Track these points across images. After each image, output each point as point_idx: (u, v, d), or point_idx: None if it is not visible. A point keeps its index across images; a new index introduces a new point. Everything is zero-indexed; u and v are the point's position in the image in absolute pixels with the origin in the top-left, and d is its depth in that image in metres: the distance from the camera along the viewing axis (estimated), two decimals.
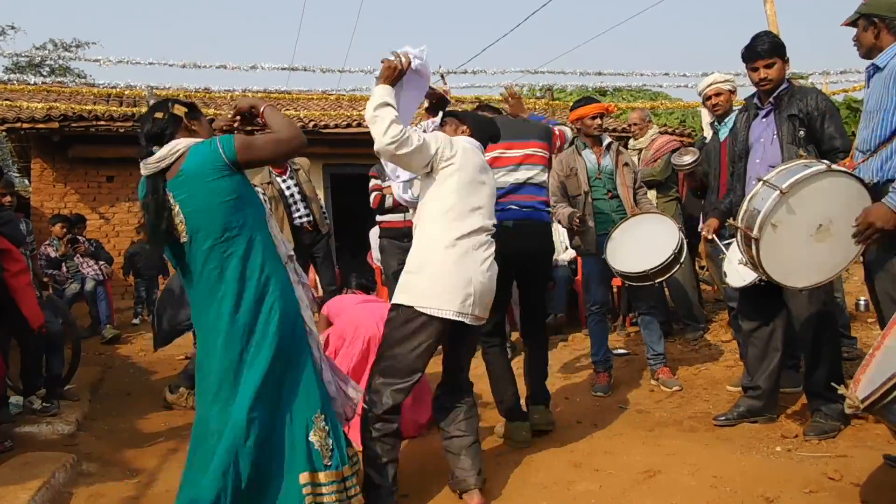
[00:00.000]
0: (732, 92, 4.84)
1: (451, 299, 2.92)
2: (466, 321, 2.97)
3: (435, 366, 3.22)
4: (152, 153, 2.60)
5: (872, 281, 3.21)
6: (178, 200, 2.55)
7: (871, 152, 3.09)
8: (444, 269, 2.96)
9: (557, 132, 4.26)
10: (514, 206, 3.88)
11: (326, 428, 2.61)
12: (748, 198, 3.12)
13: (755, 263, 3.09)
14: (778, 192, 2.92)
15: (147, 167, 2.59)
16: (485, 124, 3.39)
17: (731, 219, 3.17)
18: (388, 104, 2.91)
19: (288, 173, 6.49)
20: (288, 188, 6.47)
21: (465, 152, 3.09)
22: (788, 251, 3.04)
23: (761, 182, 3.05)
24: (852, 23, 3.28)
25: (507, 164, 3.95)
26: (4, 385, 4.32)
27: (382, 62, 3.01)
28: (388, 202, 5.98)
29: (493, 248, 3.14)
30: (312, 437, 2.56)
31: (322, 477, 2.54)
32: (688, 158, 5.36)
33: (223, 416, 2.50)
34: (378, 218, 6.20)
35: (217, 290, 2.55)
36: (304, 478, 2.50)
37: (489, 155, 3.66)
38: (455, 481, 3.08)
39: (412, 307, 2.95)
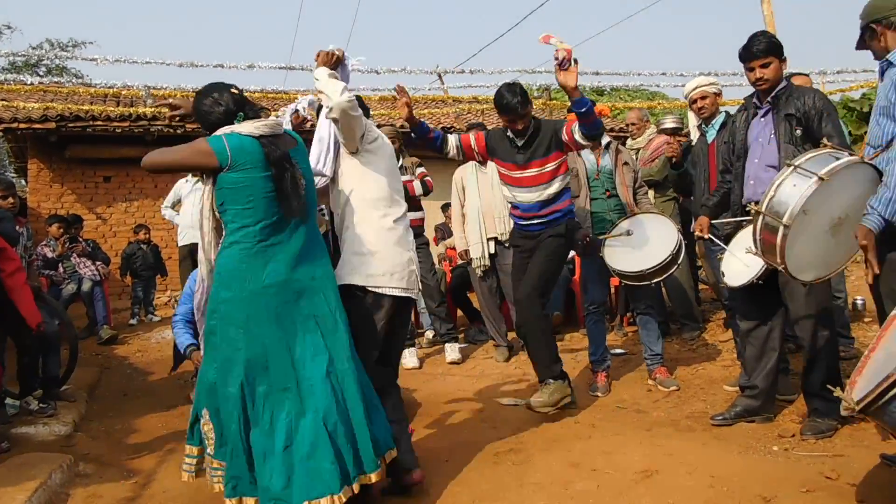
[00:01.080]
0: (718, 94, 4.85)
1: (400, 278, 3.18)
2: (412, 296, 3.29)
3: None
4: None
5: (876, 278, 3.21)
6: (301, 165, 2.84)
7: (882, 148, 3.08)
8: (389, 251, 3.18)
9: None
10: None
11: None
12: (776, 183, 3.00)
13: (776, 253, 2.99)
14: (816, 178, 2.84)
15: (267, 126, 2.71)
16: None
17: (754, 204, 3.08)
18: (337, 77, 3.20)
19: None
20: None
21: (383, 137, 3.41)
22: (807, 243, 2.99)
23: (792, 167, 2.96)
24: (861, 40, 3.30)
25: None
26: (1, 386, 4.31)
27: (319, 53, 3.32)
28: None
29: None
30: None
31: None
32: (670, 117, 5.34)
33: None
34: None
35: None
36: None
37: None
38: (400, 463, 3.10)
39: (365, 287, 3.12)
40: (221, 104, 2.74)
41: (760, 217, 3.04)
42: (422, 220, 6.01)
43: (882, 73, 3.20)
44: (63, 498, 3.27)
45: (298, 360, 2.62)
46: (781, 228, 2.92)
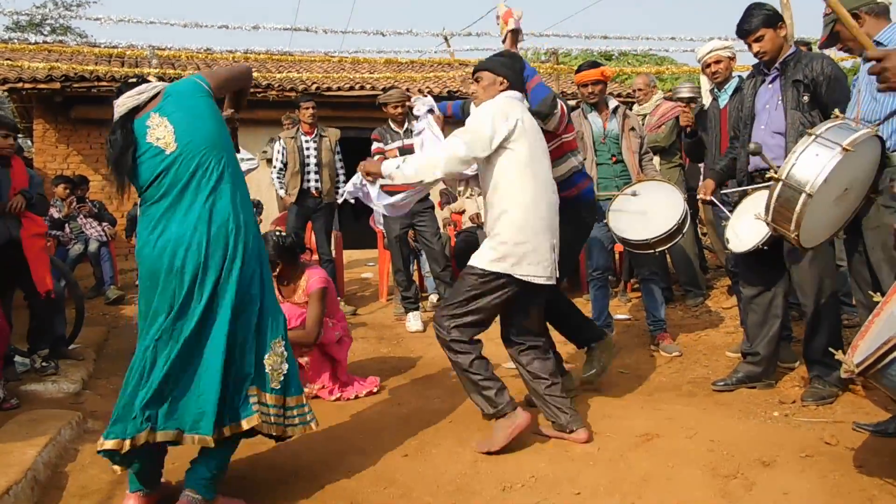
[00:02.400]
0: (732, 59, 4.80)
1: (544, 268, 3.16)
2: (552, 283, 3.24)
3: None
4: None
5: (855, 244, 3.25)
6: (164, 115, 2.70)
7: (878, 122, 3.07)
8: (537, 241, 3.13)
9: None
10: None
11: (284, 354, 2.72)
12: (797, 152, 2.96)
13: (792, 222, 2.96)
14: (840, 148, 2.81)
15: (120, 106, 2.78)
16: (512, 65, 3.37)
17: (773, 171, 3.03)
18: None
19: (313, 136, 6.71)
20: (307, 149, 6.75)
21: (522, 119, 3.16)
22: (819, 212, 2.99)
23: (812, 136, 2.93)
24: (830, 35, 3.32)
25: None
26: (8, 344, 4.35)
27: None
28: None
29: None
30: (266, 360, 2.67)
31: (268, 398, 2.66)
32: (686, 86, 5.30)
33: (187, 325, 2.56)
34: (380, 182, 6.18)
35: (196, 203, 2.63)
36: (251, 391, 2.61)
37: (572, 135, 3.76)
38: (562, 423, 3.23)
39: (509, 275, 3.12)
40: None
41: (779, 185, 2.99)
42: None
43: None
44: (72, 453, 3.32)
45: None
46: (803, 197, 2.88)
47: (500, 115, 3.13)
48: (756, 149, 3.30)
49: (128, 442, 2.53)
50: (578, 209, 3.71)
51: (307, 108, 6.80)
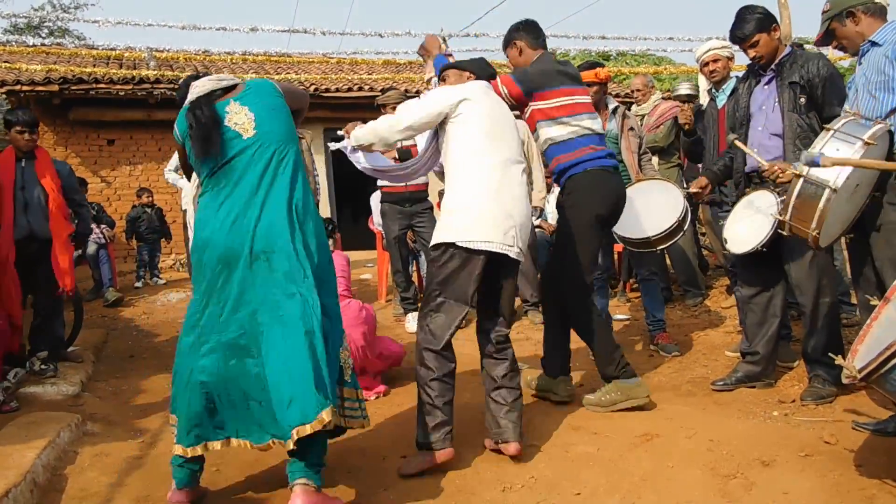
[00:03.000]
0: (730, 58, 4.80)
1: (495, 233, 2.99)
2: (511, 255, 3.03)
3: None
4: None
5: (859, 243, 3.25)
6: (245, 104, 2.74)
7: (880, 119, 3.08)
8: (484, 205, 3.02)
9: None
10: (610, 154, 3.71)
11: (348, 346, 2.85)
12: (818, 147, 2.93)
13: (814, 219, 2.93)
14: (861, 142, 2.81)
15: (199, 87, 2.75)
16: (480, 65, 3.48)
17: (794, 167, 2.99)
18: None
19: None
20: None
21: (472, 99, 3.13)
22: (838, 209, 2.99)
23: (831, 132, 2.92)
24: (826, 33, 3.33)
25: (591, 111, 3.70)
26: (17, 345, 4.36)
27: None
28: None
29: (525, 182, 3.22)
30: (341, 352, 2.76)
31: (344, 391, 2.78)
32: (685, 84, 5.30)
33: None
34: (379, 182, 6.17)
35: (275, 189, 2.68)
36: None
37: (568, 99, 3.60)
38: (497, 432, 3.09)
39: (454, 243, 2.99)
40: (180, 92, 2.90)
41: (800, 182, 2.97)
42: (426, 184, 6.00)
43: (863, 55, 3.22)
44: (71, 456, 3.32)
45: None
46: (826, 192, 2.87)
47: (443, 92, 3.19)
48: (732, 139, 3.30)
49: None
50: (578, 179, 3.60)
51: None
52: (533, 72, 3.66)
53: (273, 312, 2.55)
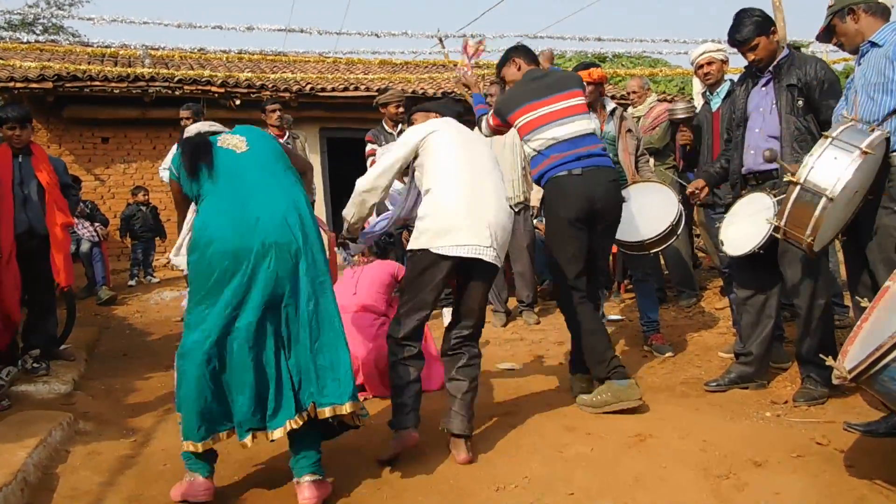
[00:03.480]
0: (725, 62, 4.80)
1: (465, 238, 3.11)
2: (485, 257, 3.14)
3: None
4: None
5: (853, 245, 3.26)
6: (235, 133, 2.96)
7: (877, 122, 3.08)
8: (453, 215, 3.14)
9: None
10: (582, 156, 3.70)
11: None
12: (815, 155, 2.94)
13: (809, 226, 2.94)
14: (859, 151, 2.81)
15: (191, 130, 3.02)
16: (446, 104, 3.80)
17: (791, 175, 3.00)
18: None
19: (285, 138, 6.62)
20: None
21: (439, 130, 3.35)
22: (833, 216, 3.00)
23: (829, 139, 2.93)
24: (826, 29, 3.32)
25: (559, 118, 3.74)
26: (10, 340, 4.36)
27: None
28: None
29: (501, 188, 3.36)
30: None
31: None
32: (681, 105, 5.30)
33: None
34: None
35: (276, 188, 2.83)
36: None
37: (531, 115, 3.76)
38: (445, 420, 3.21)
39: (426, 250, 3.13)
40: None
41: (797, 189, 2.97)
42: None
43: (862, 56, 3.22)
44: (63, 455, 3.31)
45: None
46: (823, 201, 2.87)
47: (412, 131, 3.43)
48: (772, 156, 3.29)
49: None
50: (547, 188, 3.78)
51: (273, 112, 6.73)
52: (503, 100, 4.01)
53: (290, 302, 2.69)
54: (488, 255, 3.14)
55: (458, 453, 3.11)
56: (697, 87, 5.11)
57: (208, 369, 2.61)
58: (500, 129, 4.03)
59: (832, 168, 2.87)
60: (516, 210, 5.73)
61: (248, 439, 2.67)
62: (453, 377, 3.27)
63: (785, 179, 3.13)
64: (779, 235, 3.20)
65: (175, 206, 3.19)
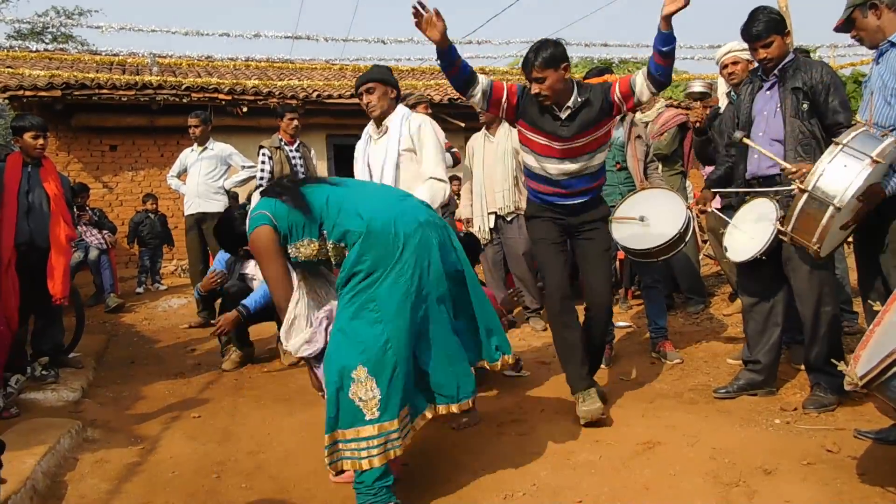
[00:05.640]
0: (750, 61, 4.75)
1: None
2: None
3: None
4: None
5: (865, 249, 3.24)
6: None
7: (891, 128, 3.06)
8: None
9: None
10: None
11: None
12: (824, 162, 2.91)
13: (816, 233, 2.93)
14: (869, 159, 2.79)
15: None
16: None
17: (799, 182, 2.99)
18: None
19: (296, 145, 6.68)
20: (293, 158, 6.71)
21: None
22: (841, 222, 2.99)
23: (839, 146, 2.90)
24: (846, 21, 3.29)
25: None
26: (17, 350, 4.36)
27: None
28: None
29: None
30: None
31: None
32: (699, 82, 5.25)
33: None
34: None
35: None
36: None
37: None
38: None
39: None
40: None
41: (804, 196, 2.95)
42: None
43: (881, 55, 3.19)
44: (71, 462, 3.31)
45: None
46: (830, 210, 2.85)
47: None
48: (740, 136, 3.27)
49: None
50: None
51: (292, 120, 6.71)
52: None
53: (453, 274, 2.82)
54: None
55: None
56: (722, 86, 5.07)
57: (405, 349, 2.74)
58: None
59: (842, 176, 2.84)
60: (508, 220, 5.76)
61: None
62: None
63: (792, 186, 3.11)
64: (786, 239, 3.19)
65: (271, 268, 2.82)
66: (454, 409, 2.76)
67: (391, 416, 2.54)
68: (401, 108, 4.11)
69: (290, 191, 2.77)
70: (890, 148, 2.84)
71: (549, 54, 3.34)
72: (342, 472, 2.70)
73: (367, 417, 2.53)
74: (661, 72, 3.32)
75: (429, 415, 2.75)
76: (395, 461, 2.72)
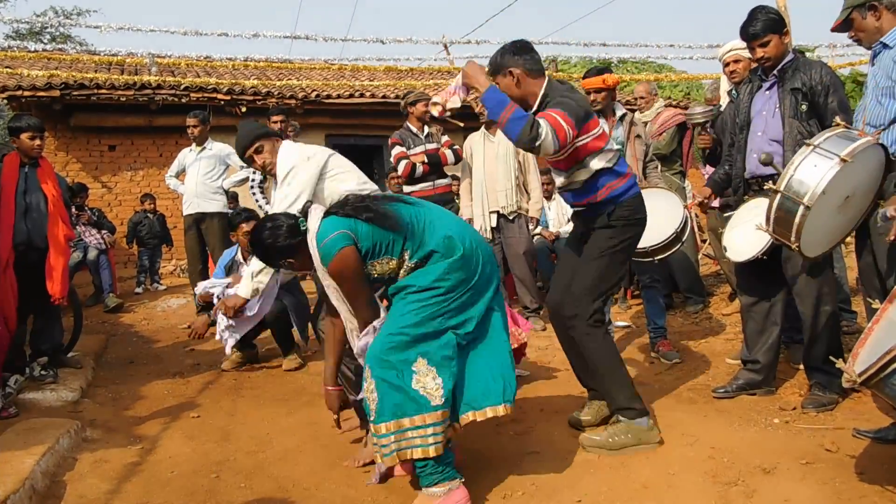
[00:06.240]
0: (752, 60, 4.76)
1: None
2: None
3: None
4: None
5: (864, 250, 3.24)
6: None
7: (883, 127, 3.07)
8: None
9: None
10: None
11: None
12: (795, 163, 2.92)
13: (792, 231, 2.94)
14: (838, 159, 2.79)
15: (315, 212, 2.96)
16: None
17: (771, 182, 3.00)
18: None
19: None
20: None
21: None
22: (819, 221, 2.96)
23: (810, 147, 2.91)
24: (844, 21, 3.29)
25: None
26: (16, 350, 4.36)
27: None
28: (419, 171, 5.94)
29: None
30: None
31: None
32: (699, 110, 5.25)
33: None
34: (406, 189, 6.05)
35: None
36: None
37: (596, 131, 3.25)
38: None
39: None
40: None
41: (778, 196, 2.97)
42: (449, 186, 6.21)
43: (875, 56, 3.19)
44: (70, 462, 3.31)
45: None
46: (801, 209, 2.86)
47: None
48: (767, 159, 3.26)
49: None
50: (611, 212, 3.29)
51: (277, 122, 6.58)
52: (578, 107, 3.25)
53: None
54: None
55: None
56: (724, 85, 5.06)
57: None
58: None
59: (811, 175, 2.86)
60: (510, 218, 5.77)
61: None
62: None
63: (766, 187, 3.13)
64: (774, 237, 3.21)
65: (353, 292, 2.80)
66: (501, 410, 2.75)
67: (448, 406, 2.67)
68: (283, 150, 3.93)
69: (372, 210, 2.74)
70: (862, 147, 2.83)
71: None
72: (405, 461, 2.72)
73: (434, 404, 2.62)
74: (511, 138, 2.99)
75: (480, 417, 2.76)
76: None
